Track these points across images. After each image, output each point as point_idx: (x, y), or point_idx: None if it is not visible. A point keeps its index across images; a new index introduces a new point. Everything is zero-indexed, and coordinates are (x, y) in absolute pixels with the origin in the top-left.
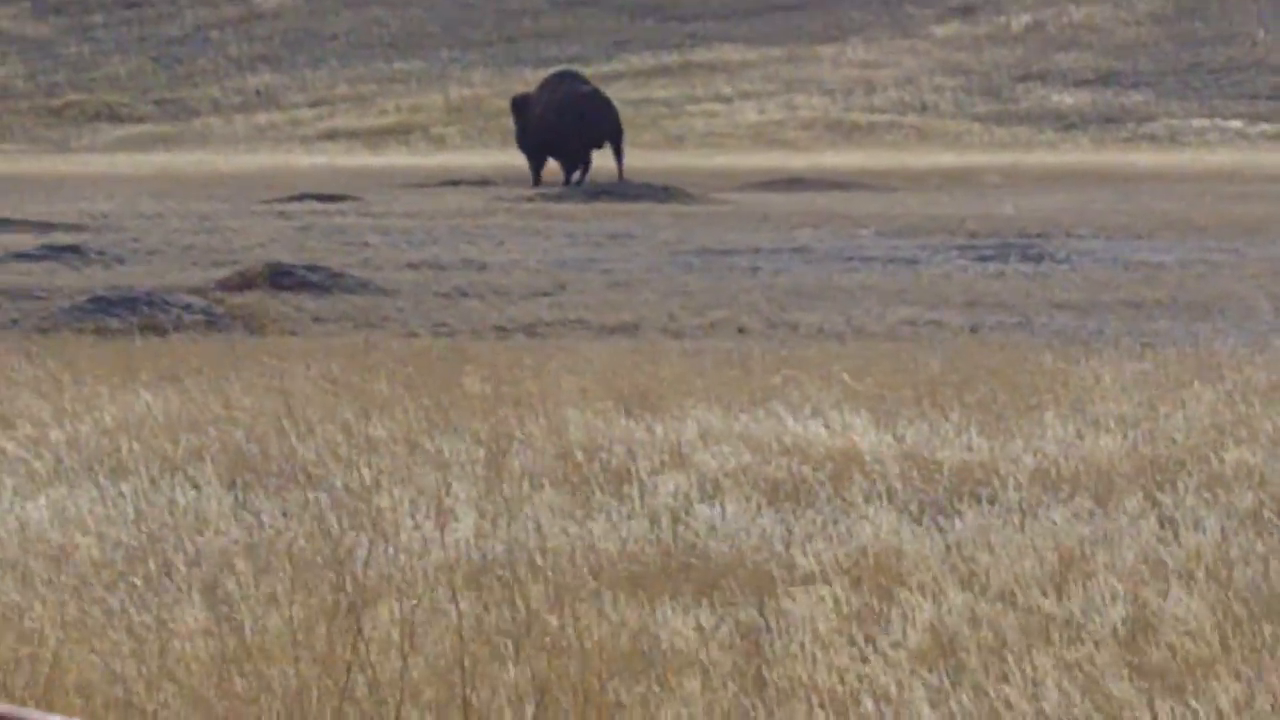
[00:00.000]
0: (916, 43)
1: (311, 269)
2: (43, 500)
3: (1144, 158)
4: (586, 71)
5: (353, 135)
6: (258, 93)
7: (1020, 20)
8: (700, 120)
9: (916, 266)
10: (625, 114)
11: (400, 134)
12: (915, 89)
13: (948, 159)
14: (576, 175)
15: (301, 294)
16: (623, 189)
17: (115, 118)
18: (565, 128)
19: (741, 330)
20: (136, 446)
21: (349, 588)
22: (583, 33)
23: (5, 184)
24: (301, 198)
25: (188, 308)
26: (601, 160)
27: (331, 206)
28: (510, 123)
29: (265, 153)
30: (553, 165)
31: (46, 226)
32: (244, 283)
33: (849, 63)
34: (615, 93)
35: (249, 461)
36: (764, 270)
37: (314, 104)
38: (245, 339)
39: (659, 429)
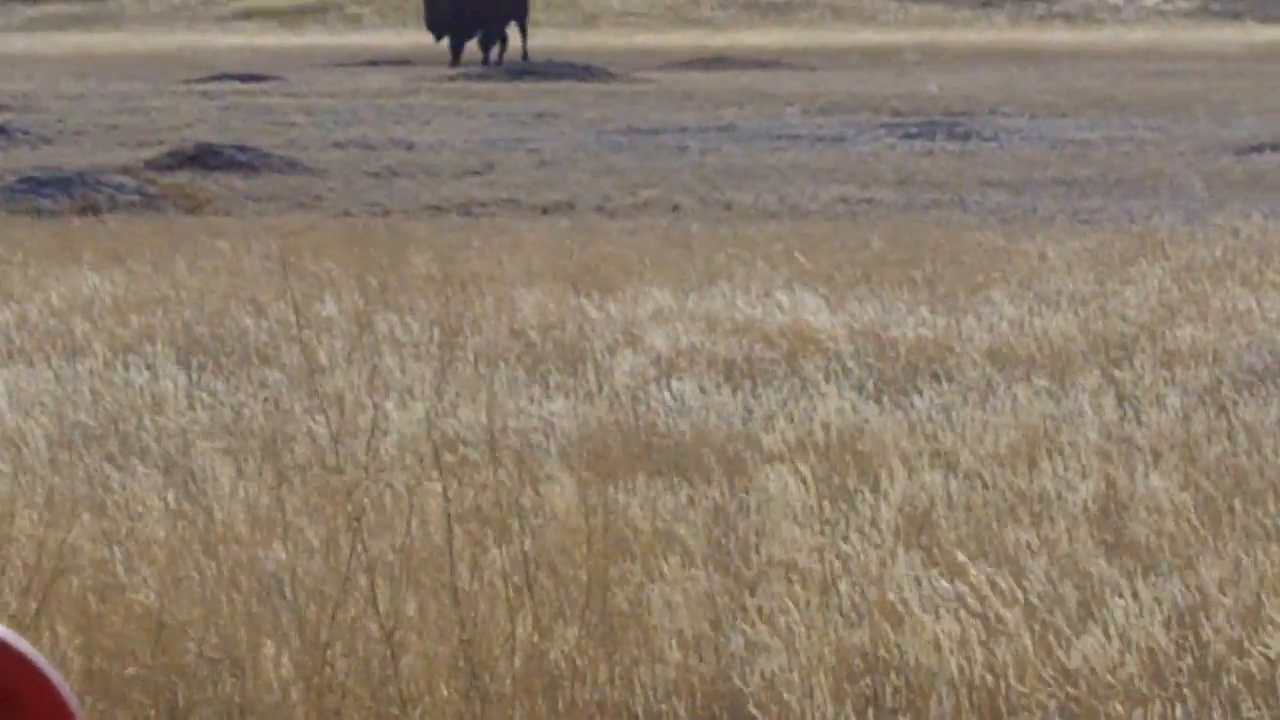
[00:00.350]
0: None
1: (240, 149)
2: None
3: (1062, 36)
4: None
5: (268, 14)
6: None
7: None
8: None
9: (844, 145)
10: None
11: (316, 13)
12: None
13: (865, 36)
14: (495, 53)
15: (231, 174)
16: (544, 68)
17: None
18: (473, 4)
19: (675, 209)
20: (87, 327)
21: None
22: None
23: None
24: (222, 78)
25: (120, 188)
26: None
27: (254, 86)
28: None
29: (181, 32)
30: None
31: None
32: (173, 163)
33: None
34: None
35: (201, 342)
36: (692, 149)
37: None
38: (181, 219)
39: (611, 308)
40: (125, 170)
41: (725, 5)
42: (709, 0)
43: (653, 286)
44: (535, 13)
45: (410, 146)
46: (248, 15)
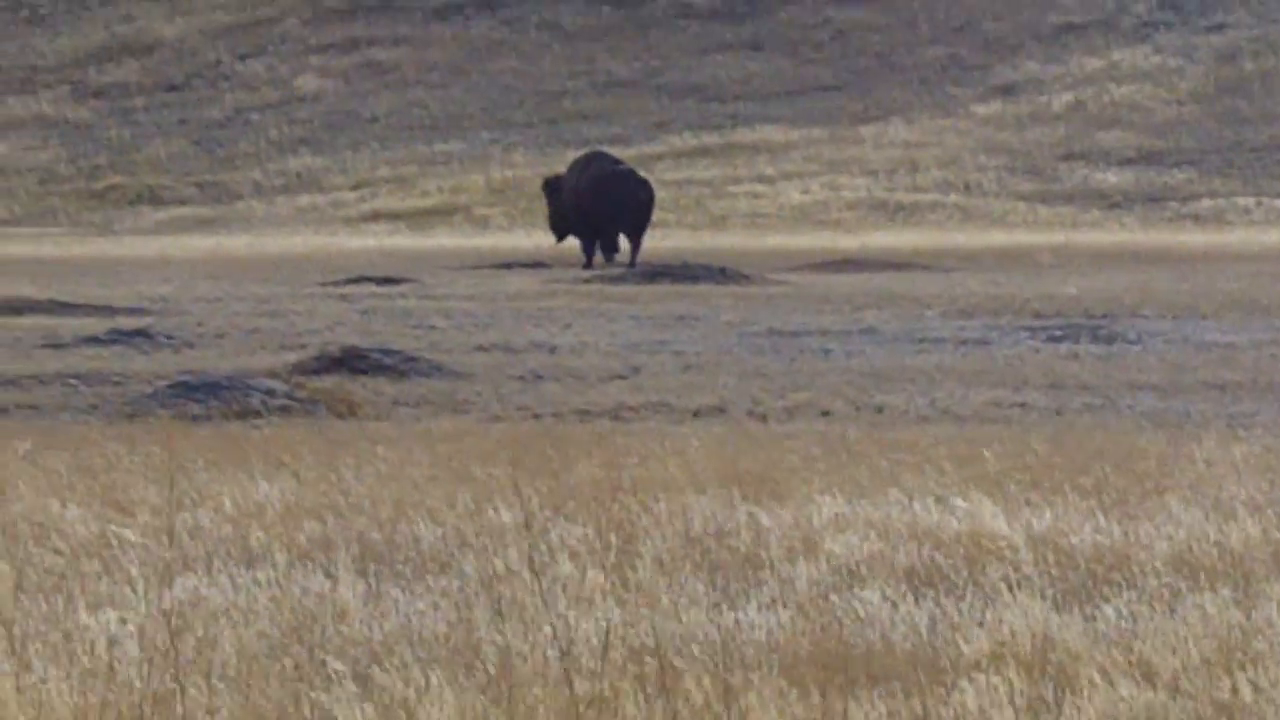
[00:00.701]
0: (958, 122)
1: (386, 352)
2: (178, 590)
3: (1195, 237)
4: (628, 153)
5: (395, 217)
6: (299, 175)
7: (1061, 99)
8: (744, 201)
9: (989, 348)
10: (668, 195)
11: (443, 215)
12: (958, 168)
13: (997, 238)
14: (627, 254)
15: (378, 378)
16: (681, 271)
17: (157, 200)
18: (600, 207)
19: (826, 413)
20: (262, 534)
21: (505, 680)
22: (623, 114)
23: (58, 267)
24: (358, 280)
25: (270, 392)
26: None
27: (390, 289)
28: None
29: (310, 234)
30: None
31: (109, 310)
32: (319, 367)
33: (891, 143)
34: (657, 173)
35: (376, 549)
36: (836, 352)
37: (355, 186)
38: (334, 424)
39: (783, 515)
40: (273, 374)
41: (853, 206)
42: (837, 202)
43: (822, 493)
44: (663, 213)
45: (553, 350)
46: (375, 217)
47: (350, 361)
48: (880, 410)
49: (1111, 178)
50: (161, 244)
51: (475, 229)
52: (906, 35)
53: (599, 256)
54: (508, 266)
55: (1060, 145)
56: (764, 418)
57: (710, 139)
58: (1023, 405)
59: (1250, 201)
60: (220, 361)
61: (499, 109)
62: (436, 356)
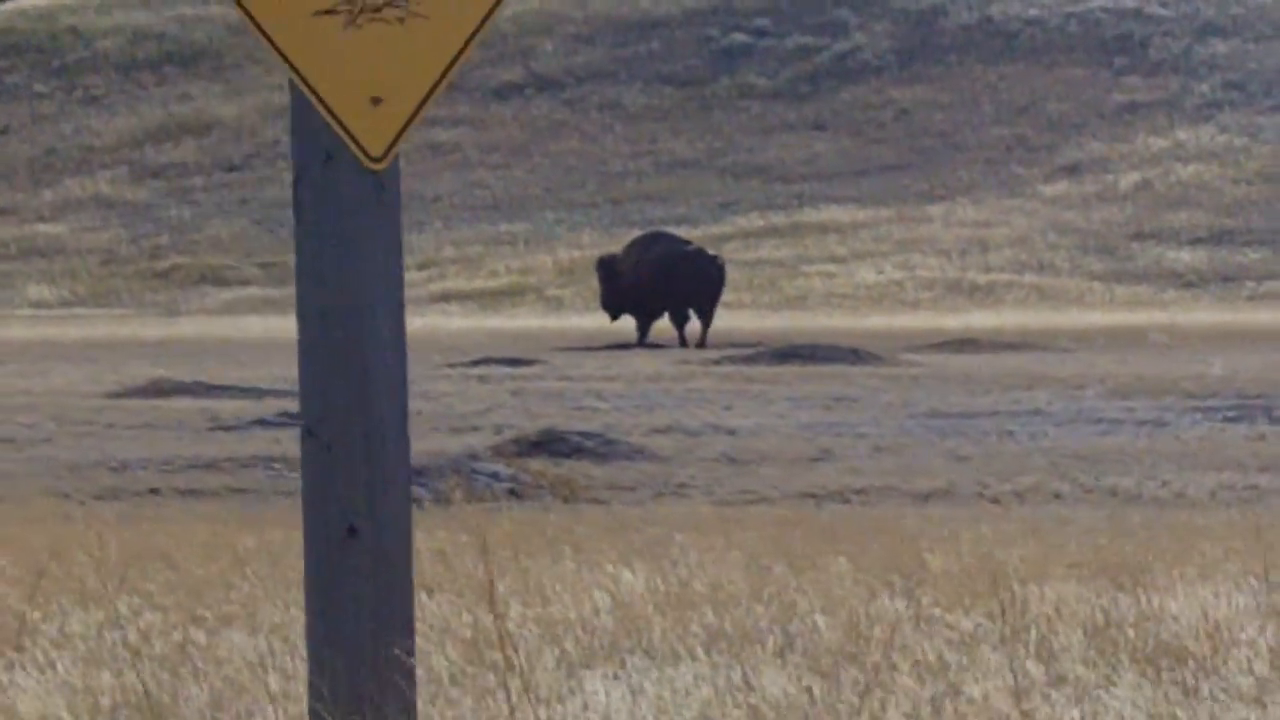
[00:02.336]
0: (1025, 202)
1: (585, 435)
2: (598, 681)
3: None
4: (695, 233)
5: (465, 297)
6: None
7: (1128, 179)
8: (818, 280)
9: (1169, 429)
10: (740, 275)
11: (512, 296)
12: (1029, 248)
13: (1095, 318)
14: (698, 334)
15: (581, 460)
16: (809, 351)
17: (221, 281)
18: (670, 286)
19: (1057, 496)
20: (664, 625)
21: None
22: (687, 194)
23: (172, 348)
24: (483, 361)
25: (494, 476)
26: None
27: (520, 370)
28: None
29: (412, 316)
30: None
31: (256, 392)
32: (519, 450)
33: (960, 222)
34: (726, 253)
35: (795, 641)
36: (1019, 434)
37: (422, 266)
38: (570, 508)
39: (1171, 604)
40: (473, 457)
41: (929, 286)
42: (912, 281)
43: (1204, 578)
44: (736, 293)
45: (731, 432)
46: (445, 298)
47: (550, 444)
48: (1114, 493)
49: (1185, 257)
50: (246, 324)
51: (549, 309)
52: (970, 115)
53: (644, 334)
54: (623, 347)
55: (1129, 225)
56: (996, 500)
57: (777, 219)
58: (1254, 488)
59: None
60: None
61: (562, 189)
62: (618, 437)
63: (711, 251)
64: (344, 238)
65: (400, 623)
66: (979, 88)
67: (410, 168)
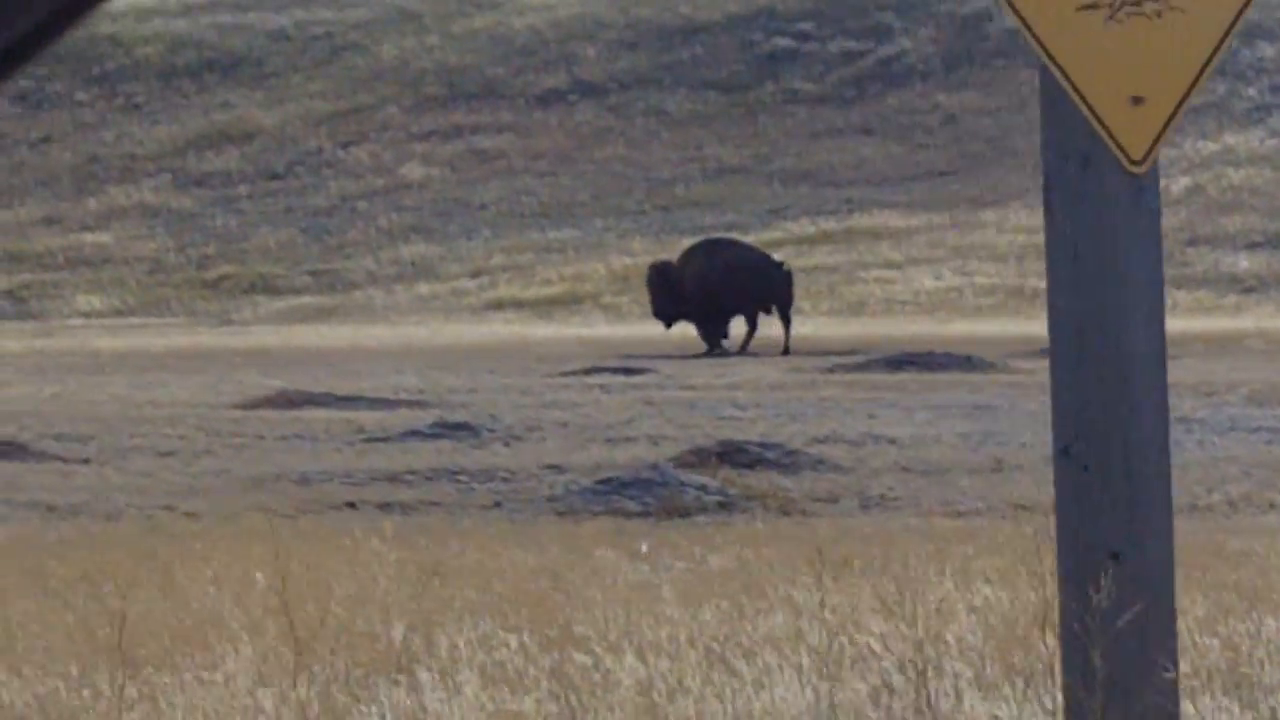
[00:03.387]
0: None
1: (764, 446)
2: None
3: None
4: (747, 238)
5: (520, 305)
6: (413, 263)
7: (1179, 184)
8: (877, 287)
9: None
10: (797, 281)
11: (568, 304)
12: None
13: (1183, 324)
14: (739, 340)
15: (766, 471)
16: (924, 359)
17: (271, 290)
18: (740, 293)
19: (1274, 506)
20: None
21: None
22: (736, 200)
23: (270, 357)
24: (592, 370)
25: (702, 489)
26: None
27: (636, 379)
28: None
29: (439, 322)
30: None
31: (386, 403)
32: (697, 460)
33: (1014, 228)
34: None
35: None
36: (1185, 444)
37: (474, 274)
38: (792, 521)
39: None
40: (654, 467)
41: (990, 292)
42: (972, 288)
43: None
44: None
45: (893, 441)
46: (499, 305)
47: (731, 455)
48: None
49: (1243, 262)
50: (294, 334)
51: (610, 317)
52: (1018, 120)
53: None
54: (726, 355)
55: (1184, 230)
56: (1233, 512)
57: (829, 224)
58: None
59: None
60: (570, 456)
61: (610, 196)
62: (800, 450)
63: (777, 258)
64: (1101, 245)
65: (1164, 651)
66: (1026, 93)
67: (455, 175)
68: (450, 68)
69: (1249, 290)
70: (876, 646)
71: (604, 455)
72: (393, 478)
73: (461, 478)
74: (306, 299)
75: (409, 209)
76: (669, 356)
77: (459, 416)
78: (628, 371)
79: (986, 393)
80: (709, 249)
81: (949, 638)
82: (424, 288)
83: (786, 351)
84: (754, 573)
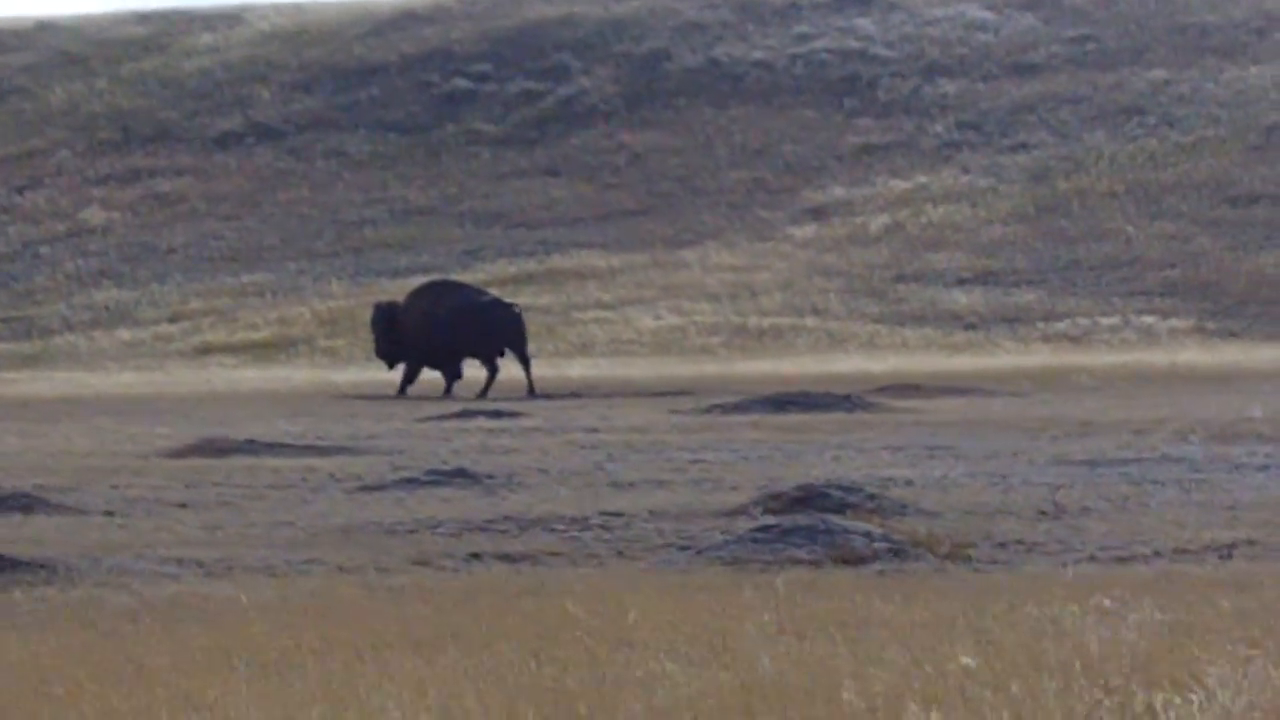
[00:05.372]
0: (777, 245)
1: (845, 490)
2: None
3: (1107, 358)
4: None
5: (231, 350)
6: (107, 309)
7: (878, 221)
8: (597, 327)
9: None
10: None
11: (280, 348)
12: (798, 292)
13: (1008, 361)
14: (481, 384)
15: (857, 517)
16: (804, 399)
17: None
18: (470, 336)
19: None
20: None
21: None
22: (429, 241)
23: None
24: (463, 414)
25: (867, 535)
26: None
27: (511, 423)
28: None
29: (161, 370)
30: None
31: (339, 450)
32: (781, 506)
33: (717, 266)
34: None
35: None
36: (1166, 482)
37: (173, 319)
38: (970, 570)
39: None
40: (733, 515)
41: (715, 331)
42: (696, 328)
43: None
44: None
45: (909, 484)
46: (208, 350)
47: (814, 500)
48: None
49: (960, 298)
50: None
51: (334, 362)
52: (705, 159)
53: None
54: (575, 397)
55: (889, 267)
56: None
57: (529, 265)
58: None
59: (1115, 320)
60: (586, 504)
61: (298, 239)
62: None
63: (506, 300)
64: None
65: None
66: (711, 131)
67: (137, 219)
68: (123, 111)
69: (971, 327)
70: None
71: (679, 500)
72: (483, 528)
73: (559, 526)
74: (5, 346)
75: (94, 254)
76: (522, 399)
77: (429, 464)
78: (503, 415)
79: (917, 433)
80: (435, 291)
81: None
82: (125, 334)
83: (531, 392)
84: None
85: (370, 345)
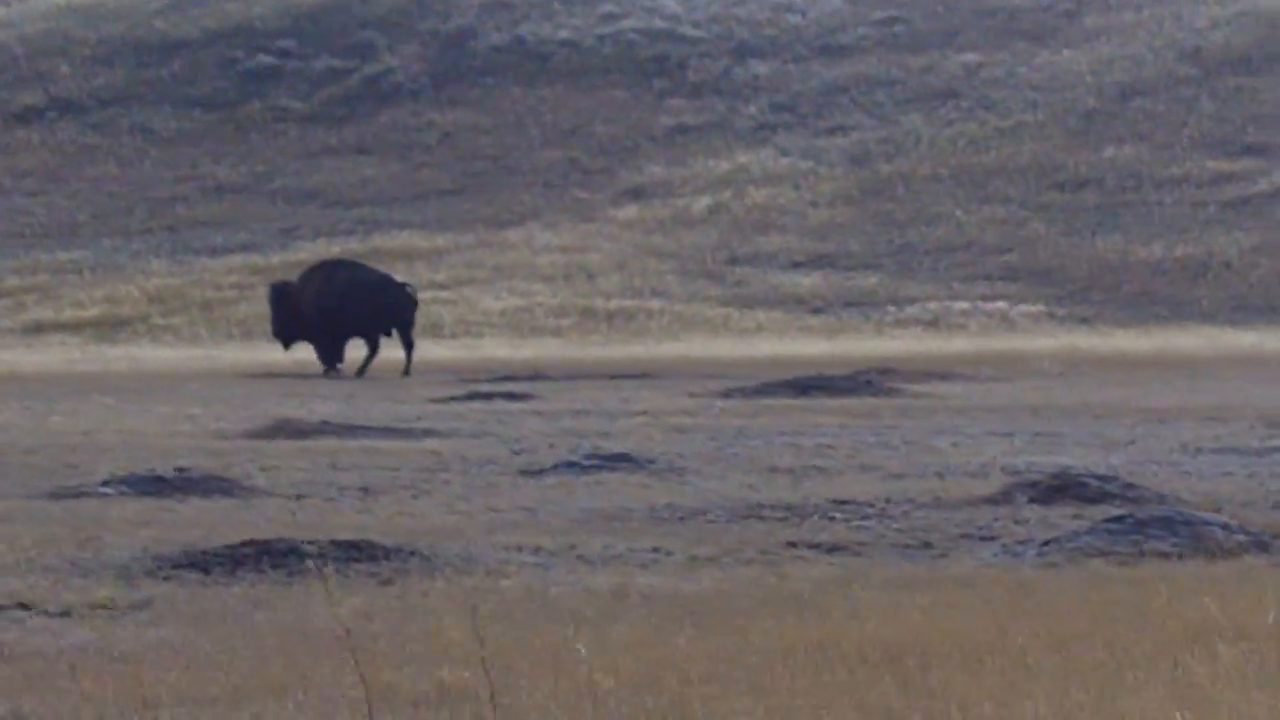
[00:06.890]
0: (601, 226)
1: (1099, 478)
2: None
3: (1014, 343)
4: (264, 259)
5: (62, 328)
6: None
7: (699, 203)
8: (445, 308)
9: None
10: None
11: (117, 326)
12: (634, 273)
13: (941, 344)
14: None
15: (1106, 507)
16: (828, 383)
17: None
18: (358, 312)
19: None
20: None
21: None
22: (244, 219)
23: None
24: (472, 397)
25: (1225, 527)
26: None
27: (514, 406)
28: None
29: (21, 347)
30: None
31: (409, 433)
32: (1036, 495)
33: (545, 248)
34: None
35: None
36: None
37: None
38: None
39: None
40: (970, 503)
41: (563, 314)
42: (542, 309)
43: None
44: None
45: (1132, 472)
46: (39, 329)
47: (1073, 489)
48: None
49: (801, 280)
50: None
51: (181, 340)
52: (516, 138)
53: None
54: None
55: (721, 249)
56: None
57: (350, 244)
58: None
59: (965, 305)
60: (741, 490)
61: (110, 216)
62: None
63: (400, 279)
64: None
65: None
66: (521, 110)
67: None
68: None
69: (818, 311)
70: None
71: (901, 488)
72: (685, 517)
73: (836, 514)
74: None
75: None
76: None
77: (591, 446)
78: (510, 398)
79: (993, 419)
80: (328, 269)
81: None
82: None
83: (407, 373)
84: None
85: (209, 322)
